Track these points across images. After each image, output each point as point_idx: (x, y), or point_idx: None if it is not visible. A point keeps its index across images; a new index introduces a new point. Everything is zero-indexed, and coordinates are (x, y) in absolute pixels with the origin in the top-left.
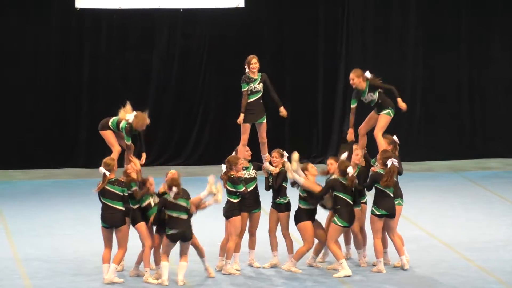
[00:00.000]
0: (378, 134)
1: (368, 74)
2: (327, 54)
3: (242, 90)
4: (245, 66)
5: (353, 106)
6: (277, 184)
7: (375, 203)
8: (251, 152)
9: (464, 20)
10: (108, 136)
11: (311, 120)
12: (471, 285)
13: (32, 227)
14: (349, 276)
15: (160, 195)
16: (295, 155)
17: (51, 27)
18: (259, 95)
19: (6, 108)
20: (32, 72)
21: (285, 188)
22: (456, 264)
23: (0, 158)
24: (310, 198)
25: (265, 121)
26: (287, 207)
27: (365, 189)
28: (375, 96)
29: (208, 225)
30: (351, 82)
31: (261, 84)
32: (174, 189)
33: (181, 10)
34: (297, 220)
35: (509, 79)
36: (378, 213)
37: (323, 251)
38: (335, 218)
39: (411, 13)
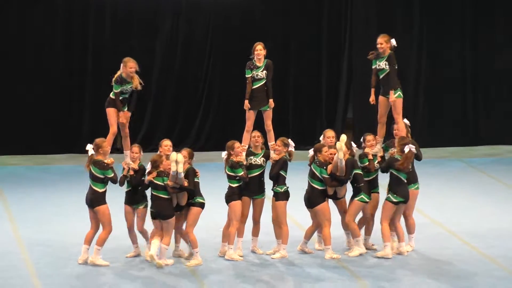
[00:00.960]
0: (399, 119)
1: (394, 42)
2: (331, 41)
3: (246, 76)
4: (252, 52)
5: (374, 66)
6: (274, 172)
7: (392, 190)
8: (262, 139)
9: (468, 9)
10: (110, 114)
11: (315, 106)
12: (475, 272)
13: (36, 213)
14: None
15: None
16: (343, 136)
17: (55, 14)
18: (263, 82)
19: (10, 94)
20: (36, 58)
21: (284, 177)
22: (460, 251)
23: (4, 144)
24: (334, 181)
25: (269, 108)
26: (285, 195)
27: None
28: (388, 67)
29: (212, 211)
30: (378, 45)
31: (264, 71)
32: (148, 166)
33: None
34: (313, 203)
35: None
36: (395, 200)
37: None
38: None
39: (415, 2)
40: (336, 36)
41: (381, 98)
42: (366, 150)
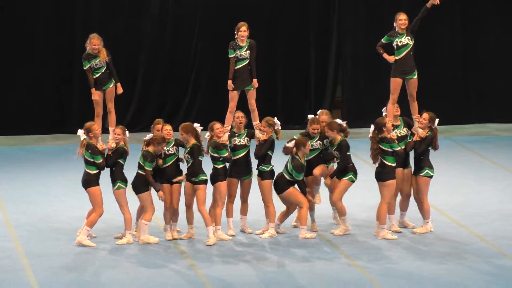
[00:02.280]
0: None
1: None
2: (320, 21)
3: (229, 56)
4: (235, 32)
5: (384, 41)
6: (262, 152)
7: (428, 166)
8: (246, 120)
9: None
10: (95, 96)
11: (304, 87)
12: (463, 250)
13: (24, 194)
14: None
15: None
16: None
17: None
18: (246, 62)
19: None
20: (23, 38)
21: (270, 156)
22: (448, 229)
23: None
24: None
25: (253, 88)
26: (270, 174)
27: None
28: (412, 41)
29: None
30: (403, 21)
31: (247, 51)
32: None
33: None
34: (280, 190)
35: (504, 46)
36: (432, 174)
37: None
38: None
39: None
40: (324, 14)
41: (398, 80)
42: (393, 134)
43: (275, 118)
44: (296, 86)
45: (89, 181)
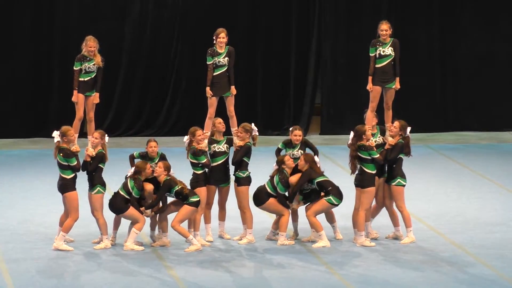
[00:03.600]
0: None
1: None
2: (300, 27)
3: (207, 63)
4: (214, 38)
5: (372, 54)
6: (237, 158)
7: (400, 175)
8: (224, 125)
9: None
10: (78, 99)
11: (283, 93)
12: (439, 258)
13: (2, 197)
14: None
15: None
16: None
17: None
18: (224, 69)
19: None
20: (3, 40)
21: (247, 163)
22: (425, 236)
23: None
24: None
25: (231, 95)
26: (247, 180)
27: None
28: (393, 53)
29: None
30: (384, 32)
31: (226, 58)
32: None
33: None
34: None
35: (481, 53)
36: (404, 183)
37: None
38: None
39: None
40: (304, 20)
41: (377, 88)
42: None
43: (252, 124)
44: (275, 92)
45: (66, 186)
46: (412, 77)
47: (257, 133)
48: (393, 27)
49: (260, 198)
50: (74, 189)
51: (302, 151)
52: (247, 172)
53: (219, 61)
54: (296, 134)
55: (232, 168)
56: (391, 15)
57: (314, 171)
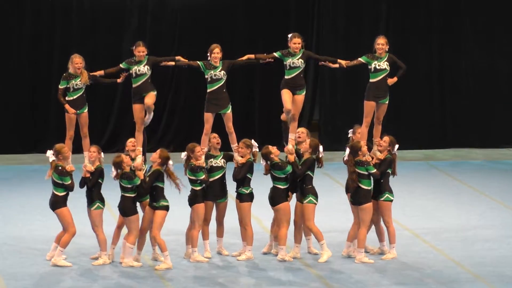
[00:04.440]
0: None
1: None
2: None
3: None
4: (208, 54)
5: (362, 60)
6: (241, 174)
7: (388, 190)
8: (219, 140)
9: (435, 6)
10: (67, 119)
11: (281, 109)
12: (439, 275)
13: (1, 212)
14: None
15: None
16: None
17: (22, 9)
18: (221, 83)
19: None
20: (2, 55)
21: (249, 179)
22: (424, 253)
23: None
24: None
25: (229, 111)
26: (249, 197)
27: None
28: (389, 67)
29: (176, 214)
30: (380, 46)
31: (222, 71)
32: (113, 170)
33: None
34: (275, 202)
35: (481, 69)
36: (392, 198)
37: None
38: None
39: (382, 2)
40: (303, 35)
41: (372, 103)
42: (368, 157)
43: (252, 140)
44: (273, 108)
45: (57, 203)
46: (411, 93)
47: (257, 149)
48: (392, 44)
49: (276, 198)
50: (65, 205)
51: (302, 61)
52: (250, 189)
53: (215, 75)
54: (296, 42)
55: (229, 183)
56: (389, 32)
57: (314, 162)
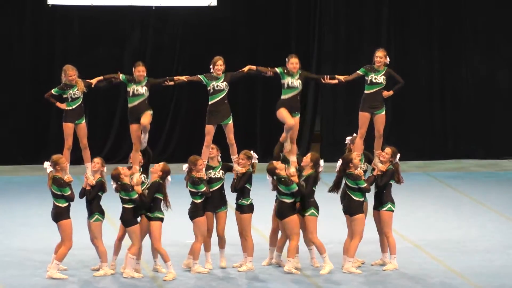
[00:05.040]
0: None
1: (387, 59)
2: (299, 51)
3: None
4: (211, 66)
5: (360, 72)
6: (240, 185)
7: (390, 200)
8: (218, 152)
9: (436, 17)
10: (64, 128)
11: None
12: (440, 286)
13: (3, 224)
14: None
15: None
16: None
17: (23, 22)
18: (223, 94)
19: None
20: (3, 67)
21: (249, 190)
22: (425, 264)
23: None
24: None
25: (231, 122)
26: (249, 208)
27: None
28: (385, 81)
29: (176, 224)
30: (379, 59)
31: (224, 82)
32: (112, 183)
33: (153, 8)
34: (283, 215)
35: (482, 80)
36: (394, 209)
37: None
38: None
39: (382, 10)
40: (304, 46)
41: (366, 114)
42: (360, 171)
43: (252, 151)
44: (274, 119)
45: (60, 214)
46: (412, 104)
47: (256, 161)
48: (393, 54)
49: (283, 211)
50: (68, 217)
51: (300, 82)
52: (250, 200)
53: (217, 85)
54: (293, 62)
55: (228, 195)
56: (390, 42)
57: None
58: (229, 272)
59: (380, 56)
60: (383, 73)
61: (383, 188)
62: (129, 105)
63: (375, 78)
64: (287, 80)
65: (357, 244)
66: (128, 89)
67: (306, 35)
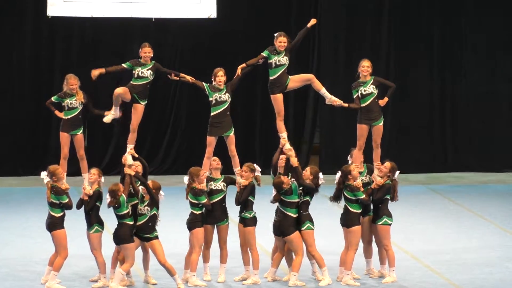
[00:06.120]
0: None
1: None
2: (299, 65)
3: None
4: (212, 78)
5: (356, 95)
6: (243, 197)
7: (387, 214)
8: (219, 162)
9: (436, 31)
10: (61, 138)
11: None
12: None
13: (1, 235)
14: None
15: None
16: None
17: (23, 34)
18: (225, 106)
19: None
20: (3, 78)
21: (252, 202)
22: (424, 277)
23: None
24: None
25: (232, 133)
26: (253, 221)
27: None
28: (376, 90)
29: (174, 237)
30: (366, 68)
31: (227, 94)
32: (108, 197)
33: (153, 20)
34: (285, 232)
35: (481, 93)
36: (391, 222)
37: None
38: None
39: (382, 25)
40: (303, 59)
41: (364, 126)
42: (358, 182)
43: (255, 164)
44: (274, 131)
45: (54, 224)
46: (411, 117)
47: (259, 174)
48: (393, 67)
49: (286, 228)
50: (62, 227)
51: (287, 58)
52: (253, 213)
53: (220, 97)
54: (281, 41)
55: (230, 208)
56: (390, 55)
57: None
58: (230, 285)
59: (367, 65)
60: (371, 82)
61: (379, 202)
62: (132, 83)
63: (365, 90)
64: (274, 60)
65: (353, 256)
66: (134, 71)
67: (306, 46)
